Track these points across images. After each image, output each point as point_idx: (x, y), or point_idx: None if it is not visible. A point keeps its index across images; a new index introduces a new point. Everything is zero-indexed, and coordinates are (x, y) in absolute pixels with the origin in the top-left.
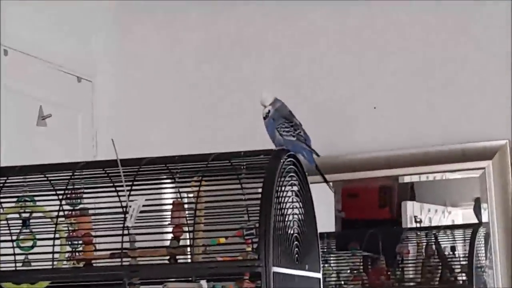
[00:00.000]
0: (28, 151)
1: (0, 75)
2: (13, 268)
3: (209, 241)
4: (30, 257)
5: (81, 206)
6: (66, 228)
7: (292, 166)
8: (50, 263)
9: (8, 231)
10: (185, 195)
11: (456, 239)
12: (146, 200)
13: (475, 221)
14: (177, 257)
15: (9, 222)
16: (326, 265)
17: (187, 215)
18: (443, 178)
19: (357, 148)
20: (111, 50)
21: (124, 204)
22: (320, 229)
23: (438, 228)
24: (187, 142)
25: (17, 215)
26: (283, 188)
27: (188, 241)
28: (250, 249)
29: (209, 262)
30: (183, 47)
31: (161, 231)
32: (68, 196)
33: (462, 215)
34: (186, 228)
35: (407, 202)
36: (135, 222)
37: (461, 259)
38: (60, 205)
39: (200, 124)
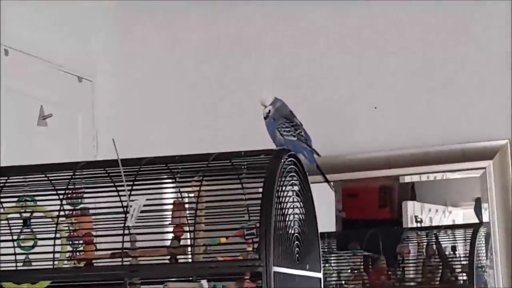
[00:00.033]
0: (29, 151)
1: (0, 75)
2: (14, 268)
3: (210, 241)
4: (30, 256)
5: (81, 206)
6: (67, 228)
7: (292, 166)
8: (51, 262)
9: (9, 231)
10: (186, 195)
11: (456, 239)
12: (146, 200)
13: (476, 221)
14: (178, 257)
15: (10, 222)
16: (326, 265)
17: (187, 215)
18: (443, 178)
19: (357, 148)
20: (111, 50)
21: (124, 204)
22: (320, 229)
23: (438, 228)
24: (187, 142)
25: (18, 215)
26: (283, 188)
27: (188, 241)
28: (250, 249)
29: (209, 262)
30: (183, 47)
31: (162, 231)
32: (69, 196)
33: (463, 215)
34: (186, 228)
35: (407, 202)
36: (136, 222)
37: (462, 259)
38: (61, 204)
39: (200, 124)
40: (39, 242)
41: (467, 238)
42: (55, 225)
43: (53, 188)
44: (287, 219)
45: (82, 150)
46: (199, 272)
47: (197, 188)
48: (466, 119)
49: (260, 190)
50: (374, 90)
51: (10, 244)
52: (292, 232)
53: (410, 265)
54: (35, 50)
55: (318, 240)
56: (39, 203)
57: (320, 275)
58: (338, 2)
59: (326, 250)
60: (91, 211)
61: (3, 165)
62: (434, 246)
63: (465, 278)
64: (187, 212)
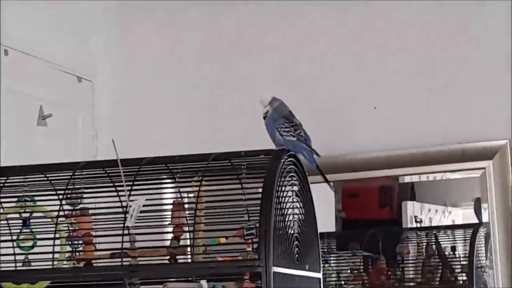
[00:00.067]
0: (28, 151)
1: (0, 75)
2: (14, 268)
3: (210, 241)
4: (30, 257)
5: (81, 206)
6: (66, 228)
7: (292, 166)
8: (50, 263)
9: (8, 231)
10: (185, 195)
11: (456, 239)
12: (146, 200)
13: (476, 221)
14: (177, 257)
15: (10, 222)
16: (326, 265)
17: (187, 215)
18: (443, 178)
19: (357, 148)
20: (111, 50)
21: (124, 204)
22: (320, 229)
23: (438, 228)
24: (187, 142)
25: (17, 215)
26: (283, 188)
27: (188, 241)
28: (250, 249)
29: (209, 262)
30: (183, 47)
31: (161, 231)
32: (69, 196)
33: (463, 215)
34: (186, 228)
35: (407, 202)
36: (135, 222)
37: (462, 259)
38: (61, 205)
39: (200, 124)
40: (39, 242)
41: (466, 238)
42: (54, 225)
43: (52, 188)
44: (286, 219)
45: (82, 150)
46: (199, 272)
47: (197, 188)
48: (466, 119)
49: (260, 190)
50: (374, 90)
51: (10, 244)
52: (292, 232)
53: (410, 265)
54: (35, 50)
55: (317, 240)
56: (38, 203)
57: (319, 275)
58: (338, 2)
59: (325, 250)
60: (91, 211)
61: (2, 165)
62: (434, 246)
63: (464, 278)
64: (187, 212)
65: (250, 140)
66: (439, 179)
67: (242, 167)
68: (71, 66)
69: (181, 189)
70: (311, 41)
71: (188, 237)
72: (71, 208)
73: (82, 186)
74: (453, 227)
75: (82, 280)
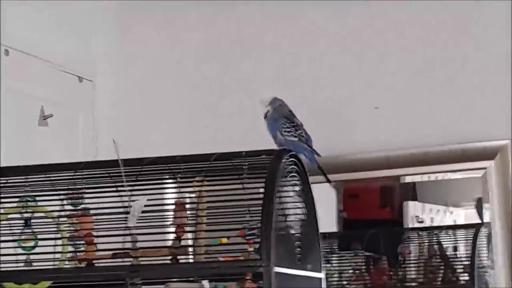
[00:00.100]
0: (29, 151)
1: (0, 75)
2: (15, 268)
3: (211, 241)
4: (32, 257)
5: (82, 206)
6: (68, 228)
7: (293, 166)
8: (52, 263)
9: (10, 231)
10: (187, 195)
11: (458, 239)
12: (147, 200)
13: (477, 221)
14: (179, 257)
15: (11, 222)
16: (328, 265)
17: (189, 215)
18: (444, 178)
19: (358, 148)
20: (111, 50)
21: (125, 204)
22: (321, 229)
23: (440, 228)
24: (187, 142)
25: (19, 215)
26: (284, 188)
27: (189, 241)
28: (252, 249)
29: (211, 262)
30: (183, 47)
31: (163, 231)
32: (70, 196)
33: (464, 215)
34: (188, 228)
35: (408, 202)
36: (137, 222)
37: (463, 259)
38: (62, 205)
39: (200, 124)
40: (40, 242)
41: (468, 238)
42: (56, 226)
43: (54, 188)
44: (288, 219)
45: (82, 150)
46: (201, 273)
47: (198, 188)
48: (467, 119)
49: (261, 190)
50: (374, 90)
51: (11, 244)
52: (293, 232)
53: (412, 265)
54: (36, 50)
55: (319, 240)
56: (40, 203)
57: (321, 275)
58: (338, 2)
59: (327, 250)
60: (92, 212)
61: (3, 165)
62: (436, 246)
63: (466, 278)
64: (188, 212)
65: (250, 140)
66: (440, 179)
67: (244, 167)
68: (71, 66)
69: (183, 189)
70: (311, 41)
71: (189, 237)
72: (73, 208)
73: (84, 186)
74: (455, 227)
75: (84, 280)
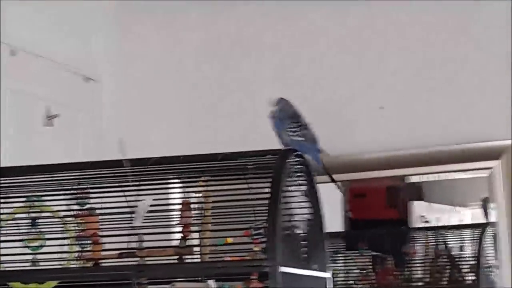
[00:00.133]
0: (34, 151)
1: (2, 75)
2: (22, 268)
3: (217, 241)
4: (38, 256)
5: (89, 206)
6: (74, 228)
7: (299, 166)
8: (58, 262)
9: (16, 231)
10: (193, 195)
11: (464, 239)
12: (153, 200)
13: (483, 220)
14: (185, 257)
15: (18, 222)
16: (334, 265)
17: (194, 215)
18: (450, 178)
19: (363, 148)
20: (111, 50)
21: (131, 204)
22: (327, 229)
23: (446, 228)
24: (188, 142)
25: (25, 215)
26: (290, 188)
27: (195, 241)
28: (258, 249)
29: (217, 262)
30: (183, 47)
31: (169, 231)
32: (76, 196)
33: (470, 214)
34: (193, 228)
35: (414, 202)
36: (143, 222)
37: (469, 259)
38: (68, 204)
39: (200, 124)
40: (47, 242)
41: (474, 238)
42: (62, 225)
43: (60, 188)
44: (294, 219)
45: (85, 150)
46: (207, 272)
47: (204, 188)
48: (474, 119)
49: (267, 190)
50: (375, 90)
51: (18, 244)
52: (299, 232)
53: (418, 265)
54: (38, 50)
55: (325, 240)
56: (46, 203)
57: (327, 275)
58: (338, 2)
59: (333, 250)
60: (98, 211)
61: (8, 165)
62: (442, 246)
63: (473, 278)
64: (194, 212)
65: (250, 140)
66: (446, 179)
67: (249, 167)
68: (71, 66)
69: (188, 189)
70: (311, 41)
71: (195, 237)
72: (79, 208)
73: (90, 186)
74: (461, 227)
75: (90, 280)
